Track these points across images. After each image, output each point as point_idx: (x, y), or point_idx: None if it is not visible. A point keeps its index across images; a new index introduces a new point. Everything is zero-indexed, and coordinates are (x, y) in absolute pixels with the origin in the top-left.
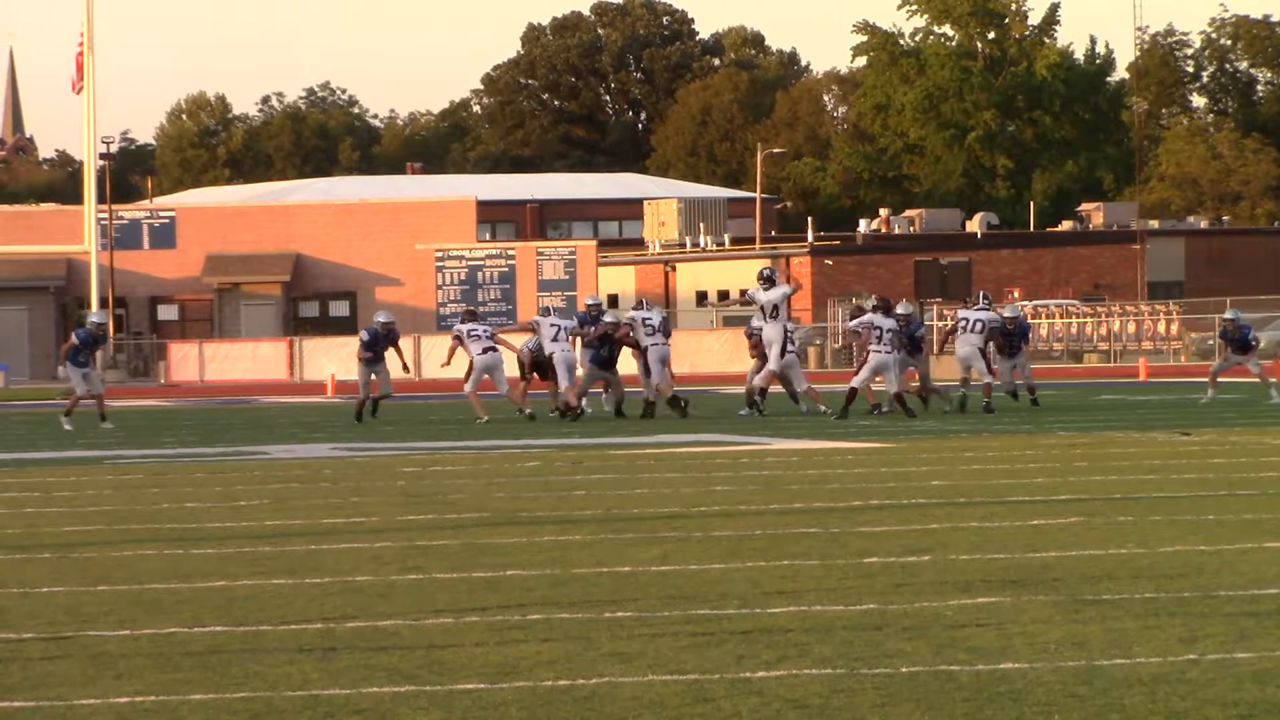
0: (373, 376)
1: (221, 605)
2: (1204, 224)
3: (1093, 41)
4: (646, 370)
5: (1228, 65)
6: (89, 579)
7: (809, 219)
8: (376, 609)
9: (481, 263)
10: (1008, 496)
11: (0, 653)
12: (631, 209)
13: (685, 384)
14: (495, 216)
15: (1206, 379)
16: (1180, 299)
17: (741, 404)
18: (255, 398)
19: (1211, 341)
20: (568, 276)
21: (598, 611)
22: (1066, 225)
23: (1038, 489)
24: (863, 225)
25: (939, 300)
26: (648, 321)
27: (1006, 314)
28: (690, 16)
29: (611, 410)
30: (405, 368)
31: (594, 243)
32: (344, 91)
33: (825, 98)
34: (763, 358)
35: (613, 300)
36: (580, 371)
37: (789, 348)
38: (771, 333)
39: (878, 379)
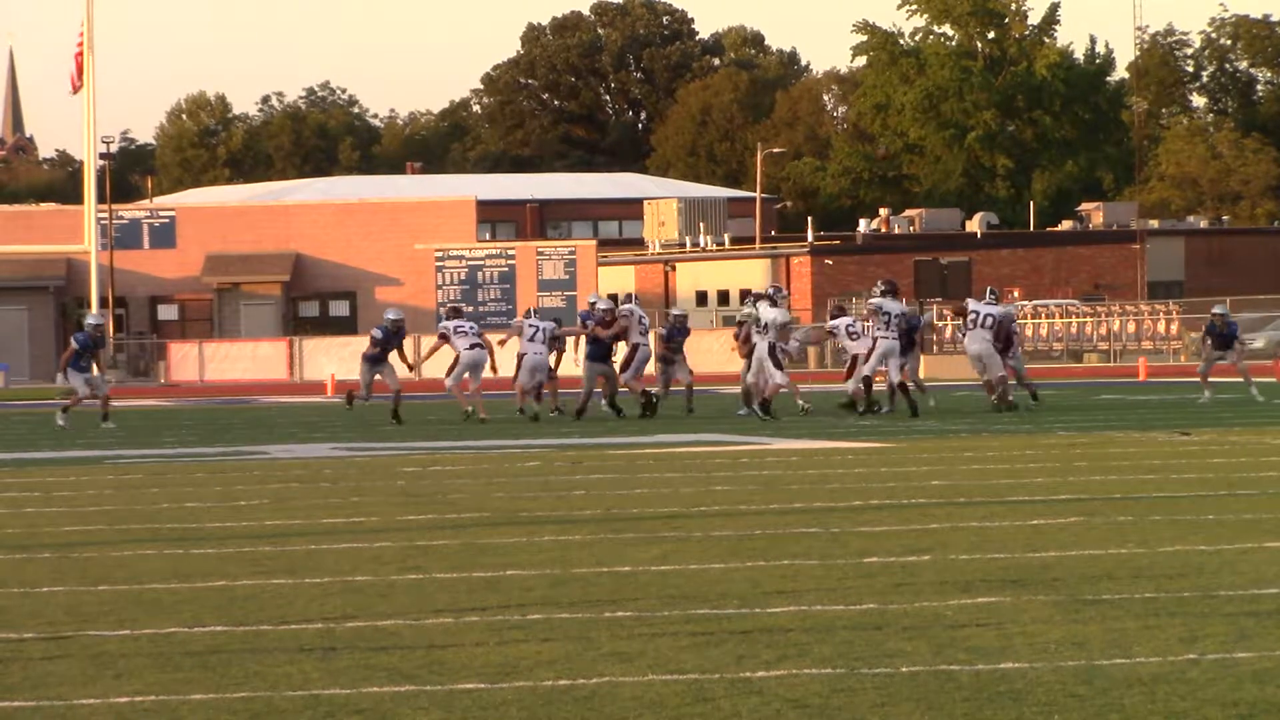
0: (377, 376)
1: (221, 605)
2: (1204, 224)
3: (1092, 41)
4: (627, 364)
5: (1228, 65)
6: (89, 579)
7: (809, 219)
8: (376, 609)
9: (481, 262)
10: (1008, 496)
11: (0, 652)
12: (631, 209)
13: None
14: (495, 216)
15: (1198, 380)
16: (1180, 299)
17: (739, 404)
18: (255, 398)
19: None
20: (568, 276)
21: (598, 611)
22: (1066, 225)
23: (1037, 489)
24: (863, 225)
25: (939, 300)
26: (642, 319)
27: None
28: (690, 16)
29: (607, 406)
30: (410, 366)
31: (594, 242)
32: (344, 91)
33: (825, 97)
34: (750, 354)
35: (612, 300)
36: (539, 376)
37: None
38: (761, 349)
39: (877, 376)
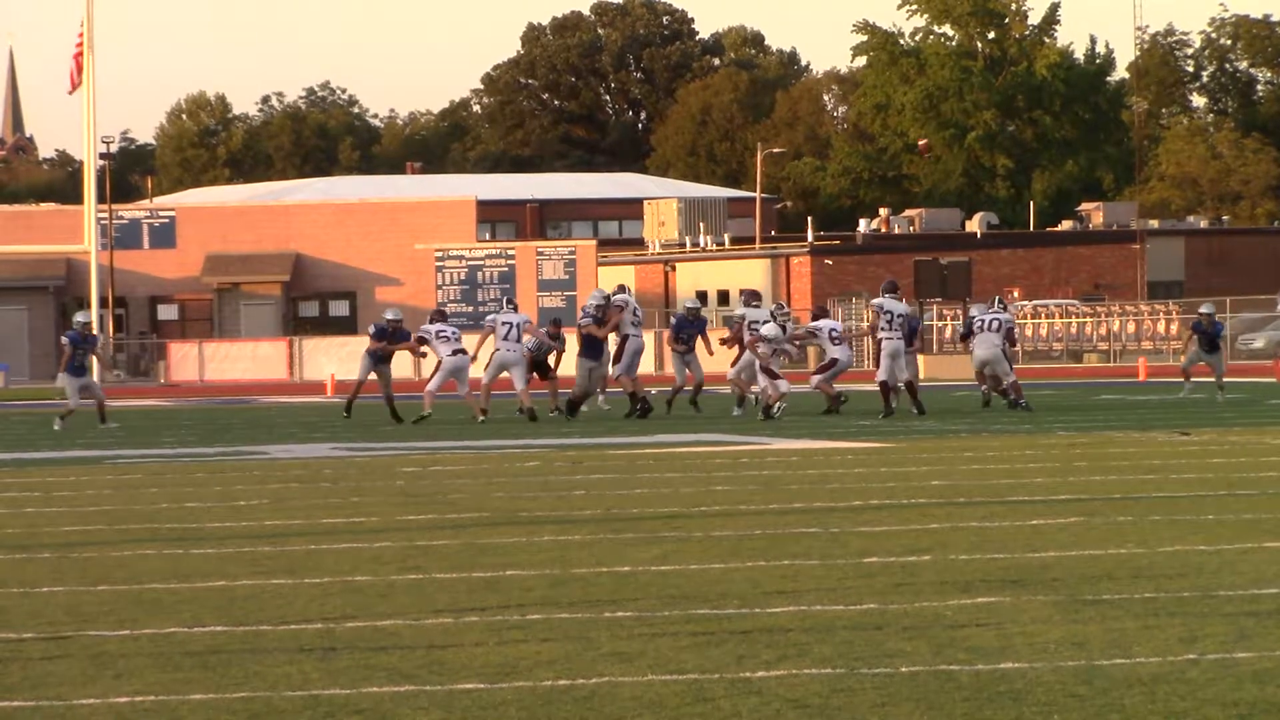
0: (371, 375)
1: (221, 605)
2: (1204, 224)
3: (1093, 41)
4: (617, 357)
5: (1228, 65)
6: (89, 579)
7: (809, 219)
8: (376, 609)
9: (481, 262)
10: (1007, 496)
11: (0, 652)
12: (631, 209)
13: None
14: (495, 216)
15: (1181, 378)
16: (1180, 299)
17: (733, 404)
18: (255, 397)
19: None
20: (567, 276)
21: (597, 611)
22: (1066, 225)
23: (1037, 489)
24: (862, 225)
25: (939, 300)
26: (636, 311)
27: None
28: (690, 16)
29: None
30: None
31: (594, 242)
32: (344, 91)
33: (825, 97)
34: (743, 348)
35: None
36: (510, 374)
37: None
38: (749, 357)
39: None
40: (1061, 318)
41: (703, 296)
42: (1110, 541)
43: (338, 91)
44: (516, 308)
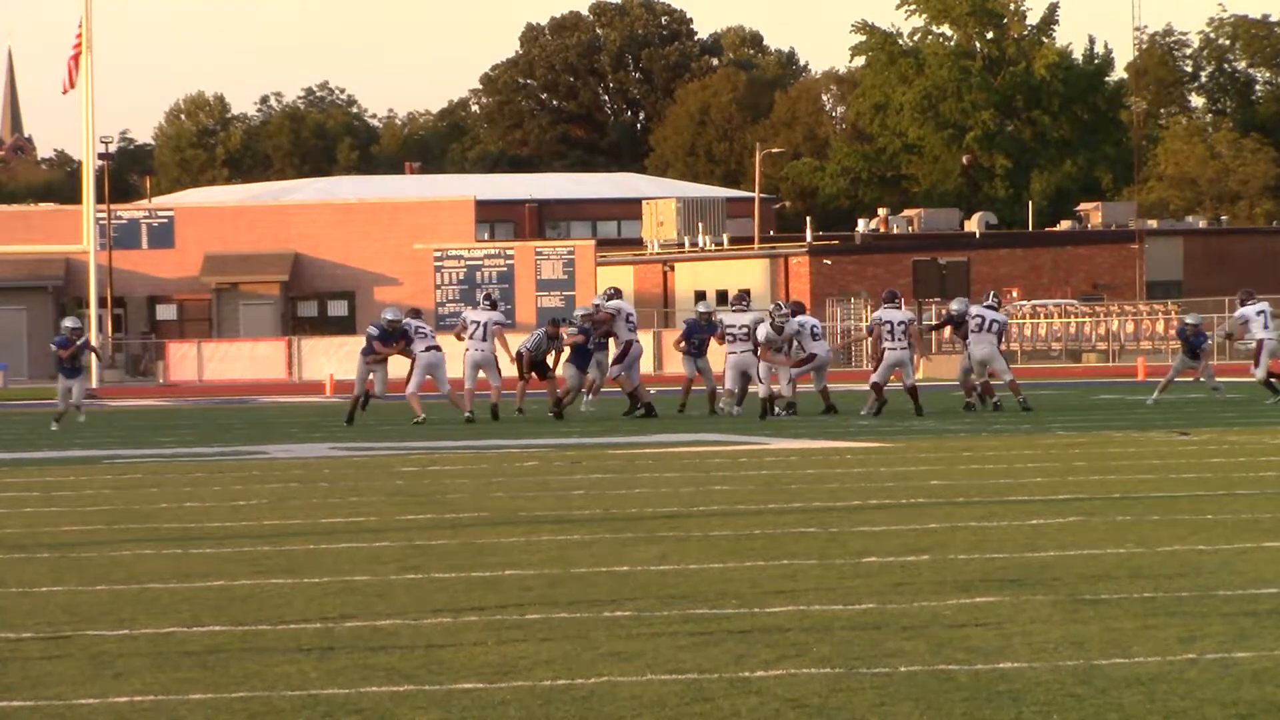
0: (370, 376)
1: (220, 605)
2: (1202, 224)
3: (1091, 41)
4: (619, 359)
5: (1226, 65)
6: (88, 578)
7: (807, 219)
8: (375, 609)
9: (480, 262)
10: (1006, 496)
11: (0, 651)
12: (630, 209)
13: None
14: (494, 216)
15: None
16: (1179, 299)
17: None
18: (254, 397)
19: (1208, 343)
20: (566, 276)
21: (596, 611)
22: (1065, 225)
23: (1036, 489)
24: (861, 225)
25: (937, 300)
26: (630, 317)
27: (954, 309)
28: (689, 16)
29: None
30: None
31: (592, 242)
32: (342, 91)
33: (824, 98)
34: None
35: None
36: (484, 374)
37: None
38: (734, 360)
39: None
40: (1060, 318)
41: (701, 296)
42: (1109, 541)
43: (336, 91)
44: (494, 304)
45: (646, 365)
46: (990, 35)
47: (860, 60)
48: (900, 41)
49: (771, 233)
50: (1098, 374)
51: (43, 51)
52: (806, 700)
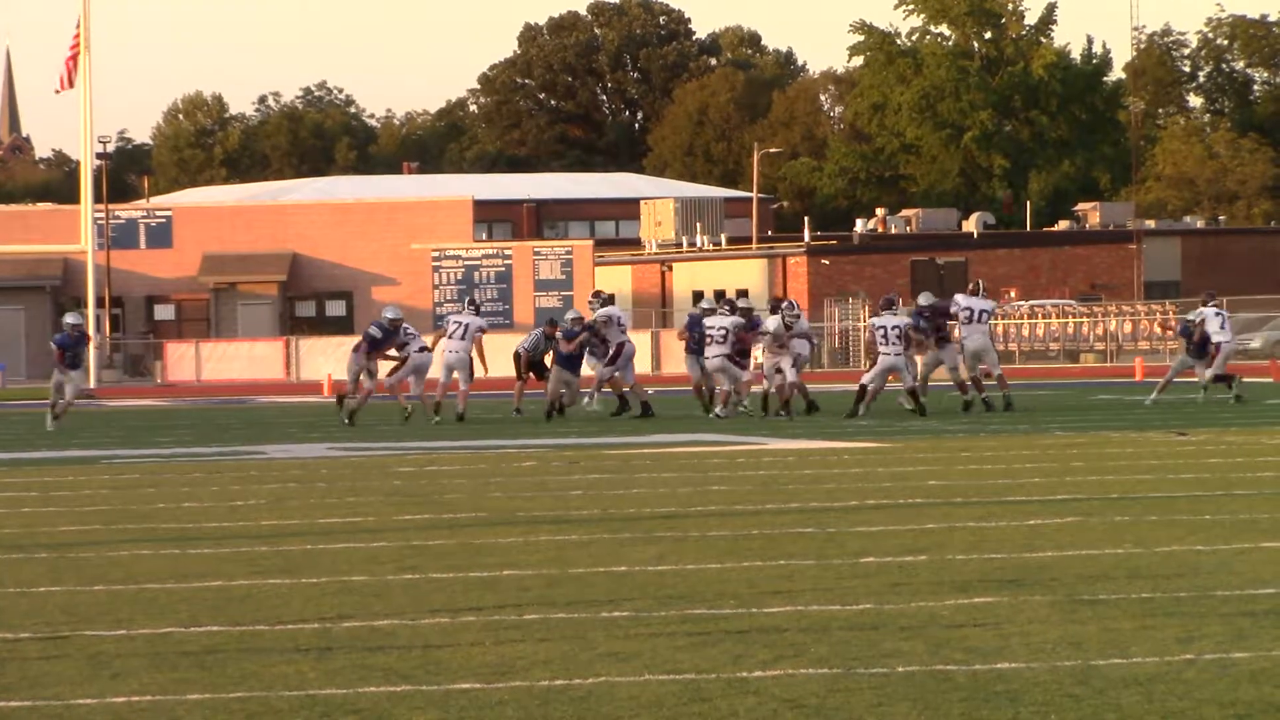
0: (361, 377)
1: (218, 605)
2: (1200, 224)
3: (1089, 41)
4: (614, 359)
5: (1224, 65)
6: (86, 579)
7: (805, 219)
8: (373, 609)
9: (478, 262)
10: (1004, 496)
11: None
12: (628, 209)
13: (681, 384)
14: (492, 216)
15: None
16: (1177, 299)
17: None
18: (252, 397)
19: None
20: (564, 276)
21: (594, 611)
22: (1063, 225)
23: (1034, 489)
24: (859, 225)
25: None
26: (620, 321)
27: (923, 303)
28: (687, 16)
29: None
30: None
31: (590, 242)
32: (340, 91)
33: (822, 97)
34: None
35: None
36: (456, 375)
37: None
38: (714, 361)
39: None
40: (1058, 318)
41: (699, 296)
42: (1107, 541)
43: (334, 91)
44: (478, 309)
45: (644, 365)
46: (988, 35)
47: (858, 60)
48: (898, 41)
49: (769, 233)
50: (1095, 374)
51: (41, 51)
52: (804, 700)
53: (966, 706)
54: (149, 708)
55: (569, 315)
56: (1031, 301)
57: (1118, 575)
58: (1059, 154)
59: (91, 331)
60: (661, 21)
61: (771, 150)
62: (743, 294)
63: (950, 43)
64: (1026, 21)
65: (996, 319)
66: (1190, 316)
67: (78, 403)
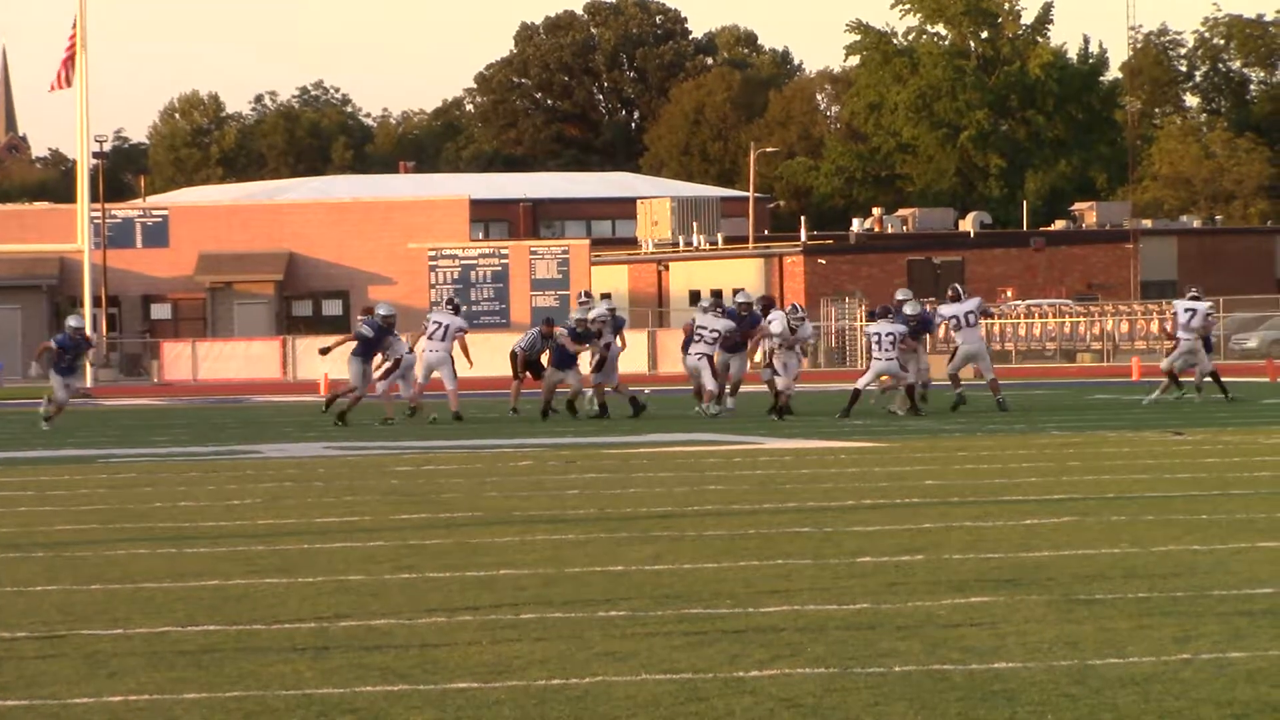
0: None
1: (215, 604)
2: (1197, 223)
3: (1086, 41)
4: (600, 364)
5: (1221, 65)
6: (82, 578)
7: (802, 218)
8: (369, 608)
9: (474, 262)
10: (1001, 496)
11: None
12: (625, 208)
13: (677, 384)
14: (488, 215)
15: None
16: (1173, 298)
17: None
18: (248, 397)
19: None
20: (561, 276)
21: (591, 611)
22: (1059, 225)
23: (1031, 489)
24: (856, 224)
25: (932, 299)
26: (618, 319)
27: (909, 312)
28: (683, 16)
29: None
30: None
31: (587, 242)
32: (337, 90)
33: (818, 97)
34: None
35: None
36: (437, 374)
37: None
38: (691, 361)
39: (884, 378)
40: (1055, 317)
41: (695, 296)
42: (1104, 541)
43: (331, 90)
44: (457, 309)
45: (641, 364)
46: (985, 35)
47: (855, 60)
48: (895, 41)
49: (766, 232)
50: (1092, 374)
51: (37, 50)
52: (801, 700)
53: (963, 706)
54: (146, 707)
55: (575, 315)
56: (1028, 301)
57: (1114, 575)
58: (1055, 153)
59: (90, 333)
60: (658, 21)
61: (768, 150)
62: (738, 291)
63: (946, 42)
64: (1023, 21)
65: (993, 318)
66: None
67: (74, 402)
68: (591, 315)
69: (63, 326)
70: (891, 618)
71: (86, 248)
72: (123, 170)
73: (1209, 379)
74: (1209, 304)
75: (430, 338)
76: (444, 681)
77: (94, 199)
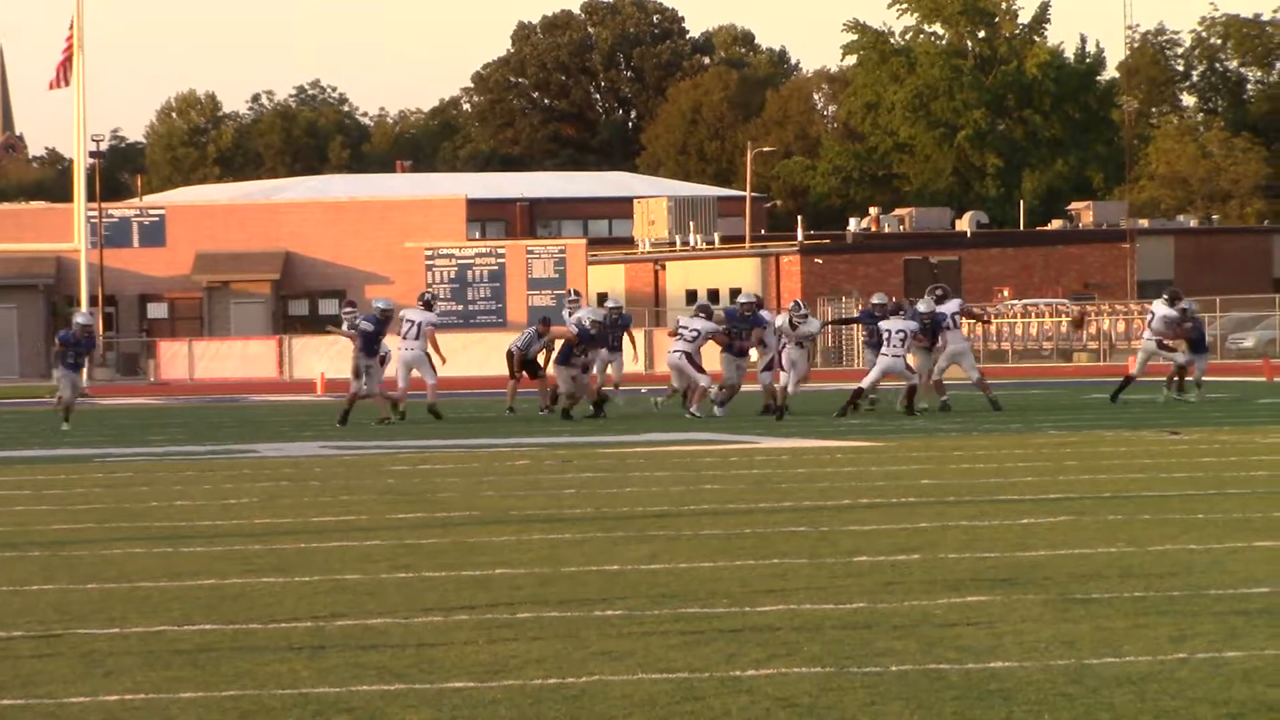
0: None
1: (211, 603)
2: (1193, 223)
3: (1083, 40)
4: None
5: (1218, 64)
6: (79, 577)
7: (799, 218)
8: (366, 607)
9: (471, 261)
10: (997, 495)
11: None
12: (621, 207)
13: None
14: (485, 215)
15: (1165, 378)
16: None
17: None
18: (245, 396)
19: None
20: (557, 275)
21: (587, 610)
22: (1056, 224)
23: (1027, 488)
24: (852, 224)
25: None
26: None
27: (922, 309)
28: (680, 15)
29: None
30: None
31: (584, 241)
32: (334, 89)
33: (815, 96)
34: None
35: (601, 298)
36: (417, 373)
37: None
38: (673, 358)
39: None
40: (1051, 317)
41: (692, 295)
42: (1100, 540)
43: (328, 90)
44: (429, 305)
45: (637, 364)
46: (982, 34)
47: (852, 59)
48: (892, 40)
49: (763, 232)
50: (1088, 373)
51: (35, 49)
52: (797, 699)
53: (959, 705)
54: (142, 706)
55: (588, 315)
56: (1025, 300)
57: (1111, 574)
58: (1052, 153)
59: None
60: (655, 20)
61: (765, 149)
62: (736, 292)
63: (944, 42)
64: (1020, 20)
65: (976, 318)
66: (1187, 308)
67: (79, 400)
68: (572, 318)
69: (63, 327)
70: (888, 617)
71: (83, 247)
72: (120, 170)
73: (1177, 377)
74: (1185, 306)
75: (405, 336)
76: (440, 681)
77: (91, 198)
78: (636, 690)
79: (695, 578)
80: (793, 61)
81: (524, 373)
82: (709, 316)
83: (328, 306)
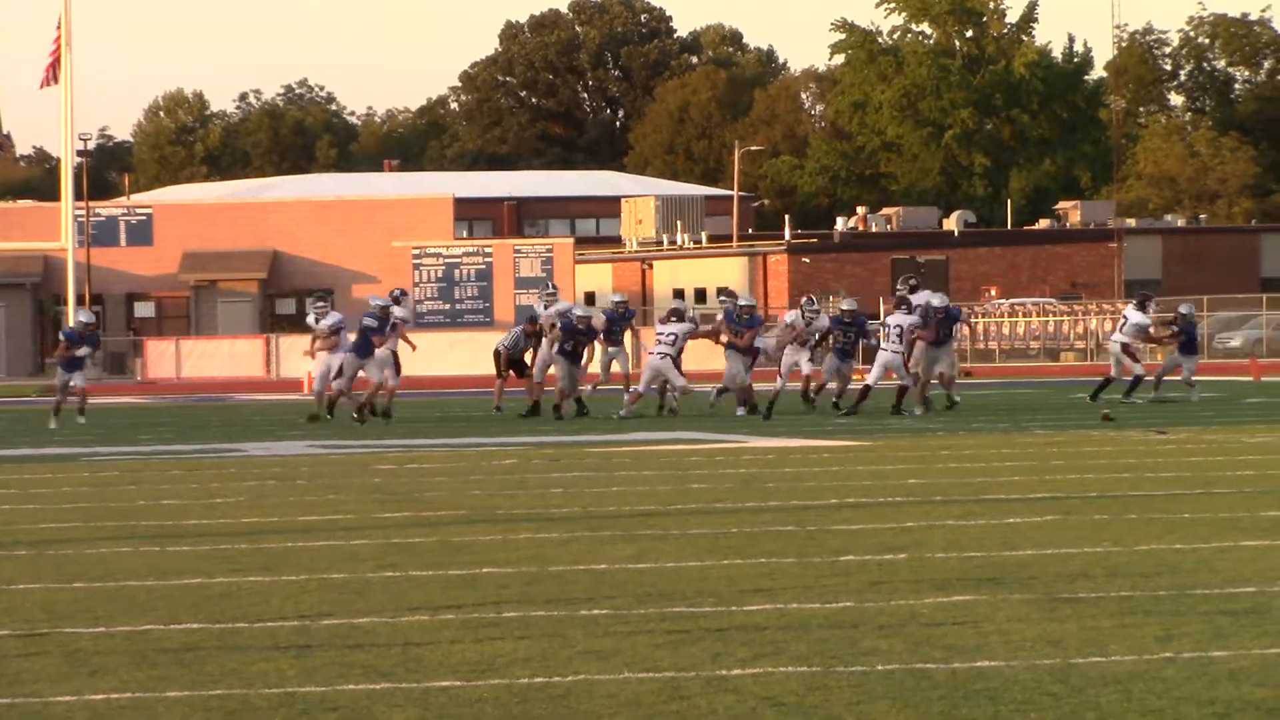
0: (360, 372)
1: (197, 603)
2: (1181, 222)
3: (1071, 40)
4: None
5: (1205, 64)
6: (65, 576)
7: (786, 217)
8: (353, 606)
9: (459, 260)
10: (984, 495)
11: None
12: (609, 207)
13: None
14: (472, 214)
15: (1153, 378)
16: (1157, 297)
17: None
18: (232, 395)
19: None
20: (545, 274)
21: (573, 609)
22: (1044, 224)
23: (1014, 487)
24: (840, 223)
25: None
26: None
27: (845, 307)
28: (668, 14)
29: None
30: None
31: (571, 240)
32: (322, 89)
33: (803, 96)
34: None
35: (589, 298)
36: (388, 373)
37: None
38: (653, 361)
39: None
40: (1039, 316)
41: (679, 294)
42: (1087, 540)
43: (315, 89)
44: (397, 300)
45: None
46: (969, 34)
47: (839, 58)
48: (879, 40)
49: (750, 231)
50: (1075, 373)
51: (22, 48)
52: (783, 699)
53: (946, 705)
54: (128, 705)
55: (576, 311)
56: (1012, 300)
57: (1097, 574)
58: (1040, 152)
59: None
60: (643, 19)
61: (752, 148)
62: (727, 292)
63: (931, 41)
64: (1008, 20)
65: (976, 317)
66: (1183, 310)
67: (70, 399)
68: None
69: (52, 325)
70: (874, 616)
71: (70, 246)
72: (107, 168)
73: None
74: (1184, 310)
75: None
76: (427, 680)
77: (78, 197)
78: (623, 689)
79: (682, 577)
80: (780, 61)
81: (511, 372)
82: (681, 318)
83: None
